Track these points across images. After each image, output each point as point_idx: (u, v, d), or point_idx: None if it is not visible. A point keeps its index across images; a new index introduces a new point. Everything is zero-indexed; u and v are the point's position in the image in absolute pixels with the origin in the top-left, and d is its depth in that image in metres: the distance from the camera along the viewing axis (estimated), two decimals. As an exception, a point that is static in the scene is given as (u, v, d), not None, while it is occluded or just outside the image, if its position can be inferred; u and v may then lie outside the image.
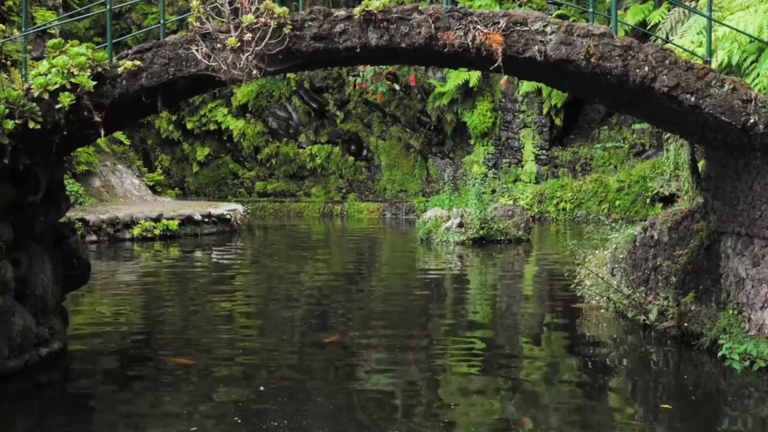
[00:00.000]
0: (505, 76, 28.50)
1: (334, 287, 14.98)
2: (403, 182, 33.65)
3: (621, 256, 11.96)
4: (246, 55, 7.74)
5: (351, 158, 34.42)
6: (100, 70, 7.95)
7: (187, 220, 24.06)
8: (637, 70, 7.79)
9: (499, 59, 7.82)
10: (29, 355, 8.47)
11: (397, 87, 31.99)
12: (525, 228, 21.47)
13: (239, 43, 7.73)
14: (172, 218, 23.62)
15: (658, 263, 10.67)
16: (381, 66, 27.37)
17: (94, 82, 7.86)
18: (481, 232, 20.61)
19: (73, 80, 7.80)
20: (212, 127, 35.38)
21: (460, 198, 26.50)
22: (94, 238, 21.86)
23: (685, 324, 9.54)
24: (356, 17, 7.87)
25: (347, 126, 34.58)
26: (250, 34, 7.71)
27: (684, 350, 9.39)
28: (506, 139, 31.02)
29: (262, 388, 8.12)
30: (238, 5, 7.85)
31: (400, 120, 33.74)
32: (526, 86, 29.55)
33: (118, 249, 20.92)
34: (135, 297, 13.71)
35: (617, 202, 27.63)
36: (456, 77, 30.34)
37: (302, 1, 8.61)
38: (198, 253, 20.37)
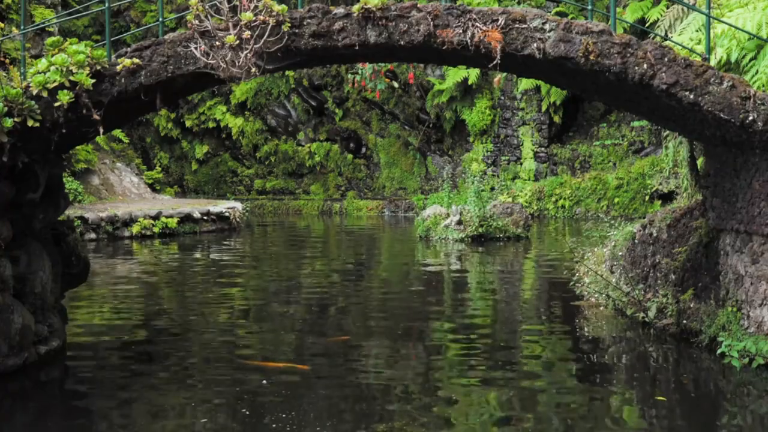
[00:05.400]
0: (498, 76, 28.50)
1: (333, 285, 14.98)
2: (402, 180, 33.64)
3: (620, 253, 11.96)
4: (245, 52, 7.74)
5: (350, 156, 34.41)
6: (98, 68, 7.95)
7: (186, 218, 24.06)
8: (636, 68, 7.80)
9: (498, 57, 7.82)
10: (28, 353, 8.47)
11: (395, 85, 31.97)
12: (524, 225, 21.48)
13: (238, 41, 7.73)
14: (171, 216, 23.61)
15: (657, 260, 10.68)
16: (380, 64, 27.38)
17: (93, 80, 7.86)
18: (480, 230, 20.62)
19: (71, 78, 7.80)
20: (211, 124, 35.35)
21: (459, 195, 26.51)
22: (93, 236, 21.86)
23: (684, 321, 9.55)
24: (355, 15, 7.87)
25: (346, 124, 34.56)
26: (249, 32, 7.71)
27: (683, 347, 9.40)
28: (505, 137, 31.02)
29: (264, 381, 8.14)
30: (237, 3, 7.85)
31: (399, 118, 33.73)
32: (525, 84, 29.53)
33: (117, 247, 20.92)
34: (134, 295, 13.71)
35: (616, 200, 27.64)
36: (455, 75, 30.32)
37: (301, -2, 8.61)
38: (197, 251, 20.37)
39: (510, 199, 27.07)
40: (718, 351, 8.62)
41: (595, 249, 14.02)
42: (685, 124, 9.07)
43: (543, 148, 30.59)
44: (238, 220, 25.82)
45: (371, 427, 6.90)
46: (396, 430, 6.80)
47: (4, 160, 7.75)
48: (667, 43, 10.00)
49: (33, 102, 7.77)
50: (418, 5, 7.90)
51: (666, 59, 7.81)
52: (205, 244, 21.74)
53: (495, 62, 7.87)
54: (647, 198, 26.82)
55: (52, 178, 9.00)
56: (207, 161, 36.05)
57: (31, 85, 7.84)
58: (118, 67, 7.96)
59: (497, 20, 7.84)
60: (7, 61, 8.68)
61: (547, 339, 10.46)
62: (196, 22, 7.91)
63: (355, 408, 7.54)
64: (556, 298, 13.16)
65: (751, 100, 7.80)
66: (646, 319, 10.33)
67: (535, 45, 7.84)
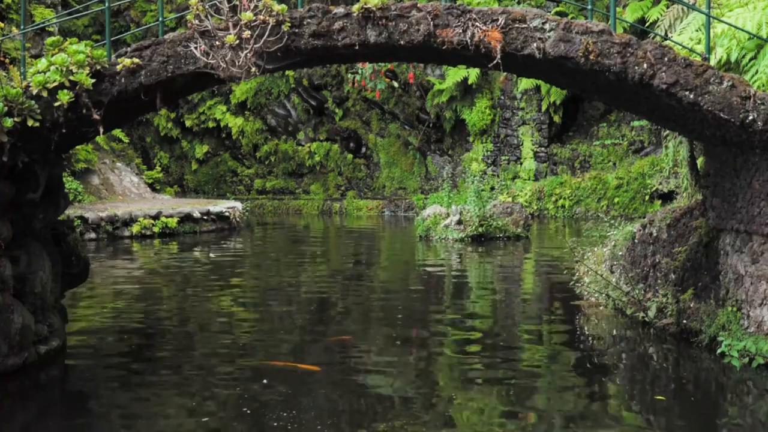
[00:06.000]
0: (504, 74, 28.52)
1: (333, 285, 14.98)
2: (402, 180, 33.64)
3: (620, 253, 11.96)
4: (245, 52, 7.74)
5: (350, 156, 34.42)
6: (98, 67, 7.95)
7: (186, 218, 24.06)
8: (636, 67, 7.80)
9: (498, 56, 7.82)
10: (28, 353, 8.47)
11: (395, 84, 31.97)
12: (524, 225, 21.48)
13: (238, 41, 7.73)
14: (171, 216, 23.61)
15: (657, 260, 10.68)
16: (380, 63, 27.37)
17: (93, 80, 7.86)
18: (480, 230, 20.62)
19: (71, 78, 7.80)
20: (211, 124, 35.37)
21: (459, 195, 26.51)
22: (93, 235, 21.86)
23: (684, 321, 9.55)
24: (355, 15, 7.87)
25: (346, 123, 34.57)
26: (249, 32, 7.71)
27: (683, 347, 9.40)
28: (505, 137, 31.03)
29: (265, 380, 8.15)
30: (237, 3, 7.85)
31: (399, 117, 33.73)
32: (525, 83, 29.55)
33: (117, 247, 20.92)
34: (134, 294, 13.71)
35: (616, 199, 27.64)
36: (455, 74, 30.33)
37: (301, -2, 8.61)
38: (197, 251, 20.37)
39: (510, 199, 27.08)
40: (718, 351, 8.62)
41: (595, 249, 14.02)
42: (685, 123, 9.07)
43: (543, 148, 30.60)
44: (238, 219, 25.82)
45: (372, 427, 6.90)
46: (396, 430, 6.80)
47: (4, 160, 7.75)
48: (667, 42, 10.00)
49: (33, 102, 7.77)
50: (418, 5, 7.90)
51: (666, 59, 7.82)
52: (205, 244, 21.73)
53: (495, 62, 7.87)
54: (647, 198, 26.82)
55: (52, 178, 9.00)
56: (207, 161, 36.06)
57: (31, 84, 7.84)
58: (118, 67, 7.96)
59: (497, 20, 7.84)
60: (7, 61, 8.68)
61: (547, 338, 10.46)
62: (196, 21, 7.91)
63: (356, 407, 7.54)
64: (556, 298, 13.16)
65: (751, 99, 7.80)
66: (646, 319, 10.33)
67: (535, 45, 7.84)
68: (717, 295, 9.34)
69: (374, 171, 34.31)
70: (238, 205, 26.66)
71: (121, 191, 27.75)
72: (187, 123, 35.50)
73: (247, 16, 7.72)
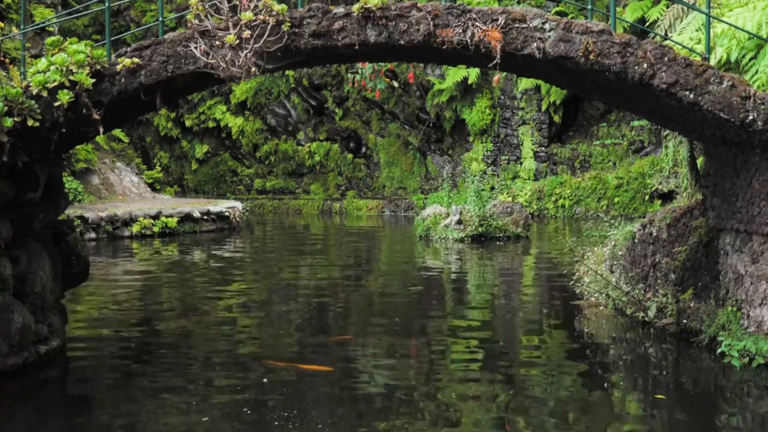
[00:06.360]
0: (497, 75, 28.51)
1: (334, 284, 14.98)
2: (402, 179, 33.64)
3: (620, 253, 11.96)
4: (245, 52, 7.74)
5: (350, 155, 34.41)
6: (98, 67, 7.96)
7: (186, 218, 24.07)
8: (636, 67, 7.80)
9: (498, 56, 7.82)
10: (28, 352, 8.47)
11: (395, 84, 31.97)
12: (524, 225, 21.48)
13: (238, 41, 7.73)
14: (171, 216, 23.62)
15: (657, 260, 10.68)
16: (380, 63, 27.37)
17: (93, 80, 7.86)
18: (479, 229, 20.62)
19: (71, 78, 7.80)
20: (211, 124, 35.37)
21: (458, 195, 26.50)
22: (93, 235, 21.86)
23: (684, 321, 9.55)
24: (355, 14, 7.87)
25: (346, 123, 34.56)
26: (249, 32, 7.71)
27: (683, 347, 9.40)
28: (505, 137, 31.03)
29: (265, 380, 8.15)
30: (237, 2, 7.85)
31: (399, 117, 33.73)
32: (525, 83, 29.54)
33: (117, 246, 20.92)
34: (134, 294, 13.71)
35: (616, 199, 27.64)
36: (455, 74, 30.32)
37: (301, -2, 8.61)
38: (197, 251, 20.37)
39: (510, 199, 27.07)
40: (718, 350, 8.63)
41: (595, 248, 14.02)
42: (685, 123, 9.07)
43: (543, 148, 30.60)
44: (237, 219, 25.82)
45: (372, 426, 6.90)
46: (397, 429, 6.80)
47: (4, 160, 7.76)
48: (667, 42, 10.00)
49: (33, 101, 7.77)
50: (418, 5, 7.91)
51: (666, 59, 7.82)
52: (204, 244, 21.73)
53: (495, 62, 7.88)
54: (647, 197, 26.82)
55: (52, 178, 9.00)
56: (207, 161, 36.06)
57: (31, 84, 7.84)
58: (118, 67, 7.97)
59: (497, 20, 7.84)
60: (7, 60, 8.68)
61: (547, 338, 10.46)
62: (196, 21, 7.91)
63: (357, 406, 7.54)
64: (556, 298, 13.16)
65: (751, 99, 7.80)
66: (646, 319, 10.33)
67: (535, 44, 7.84)
68: (717, 295, 9.34)
69: (374, 171, 34.31)
70: (238, 204, 26.66)
71: (121, 191, 27.75)
72: (187, 123, 35.51)
73: (247, 15, 7.72)
